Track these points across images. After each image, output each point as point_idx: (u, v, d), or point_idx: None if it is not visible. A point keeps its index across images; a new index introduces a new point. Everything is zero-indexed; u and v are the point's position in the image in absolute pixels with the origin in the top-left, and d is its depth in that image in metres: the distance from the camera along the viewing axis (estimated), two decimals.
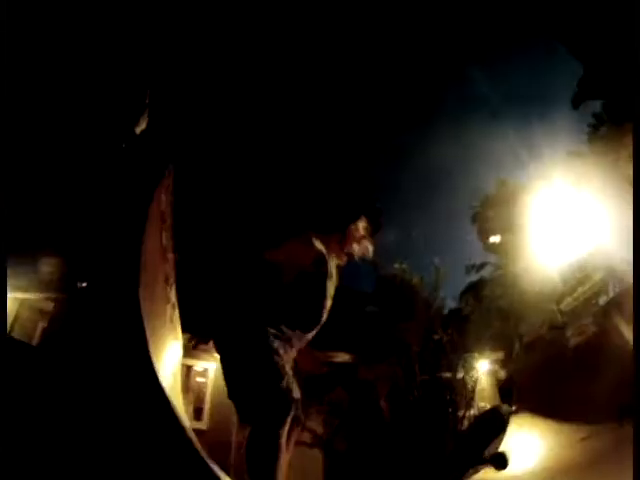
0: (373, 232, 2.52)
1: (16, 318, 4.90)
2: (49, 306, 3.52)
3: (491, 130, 19.36)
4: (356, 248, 2.46)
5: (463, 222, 19.13)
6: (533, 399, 8.99)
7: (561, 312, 12.04)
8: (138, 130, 5.06)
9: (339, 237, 2.40)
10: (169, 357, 6.45)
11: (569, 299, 12.12)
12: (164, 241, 6.32)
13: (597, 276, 11.30)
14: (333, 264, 2.34)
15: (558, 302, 12.40)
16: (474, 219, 18.45)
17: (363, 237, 2.47)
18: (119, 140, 4.77)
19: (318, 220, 2.41)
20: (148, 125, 5.20)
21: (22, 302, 5.12)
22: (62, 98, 4.23)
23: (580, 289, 11.90)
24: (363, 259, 2.55)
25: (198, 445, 4.29)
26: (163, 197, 5.77)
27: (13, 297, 4.67)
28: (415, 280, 16.76)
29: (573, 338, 9.90)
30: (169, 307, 6.77)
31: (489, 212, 17.49)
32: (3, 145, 1.89)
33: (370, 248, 2.52)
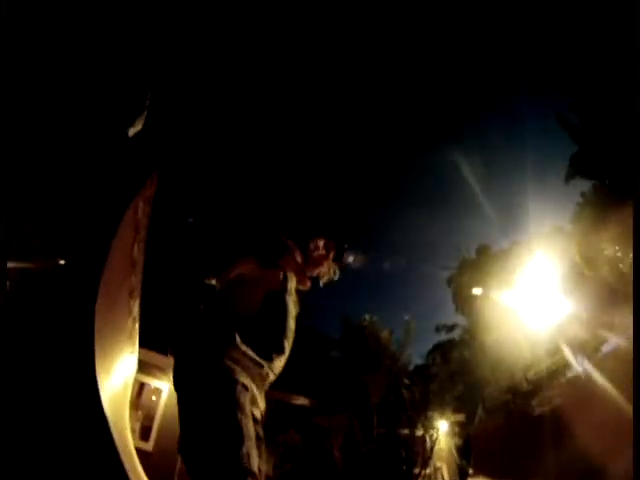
0: (337, 256, 2.35)
1: None
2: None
3: (478, 196, 19.91)
4: (318, 270, 2.30)
5: (439, 282, 19.33)
6: (490, 463, 8.82)
7: (527, 381, 11.99)
8: (132, 132, 4.99)
9: (300, 256, 2.24)
10: (121, 370, 6.22)
11: (536, 369, 12.09)
12: (135, 253, 6.18)
13: (565, 349, 11.34)
14: (293, 283, 2.16)
15: (525, 371, 12.36)
16: (450, 281, 18.62)
17: (323, 258, 2.30)
18: (109, 137, 4.72)
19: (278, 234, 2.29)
20: (143, 128, 5.15)
21: None
22: (59, 90, 4.23)
23: (548, 360, 11.90)
24: (328, 285, 2.44)
25: (132, 465, 4.06)
26: (141, 205, 5.67)
27: None
28: (384, 334, 16.81)
29: (537, 407, 9.81)
30: (130, 320, 6.58)
31: (466, 276, 17.66)
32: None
33: (334, 273, 2.34)
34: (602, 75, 10.66)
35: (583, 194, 12.35)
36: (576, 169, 12.43)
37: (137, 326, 7.06)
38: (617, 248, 10.15)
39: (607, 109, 10.65)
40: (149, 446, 9.30)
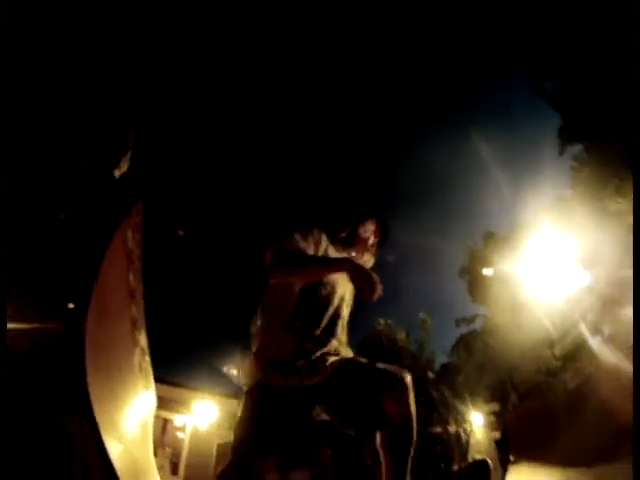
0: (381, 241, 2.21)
1: None
2: None
3: (476, 184, 19.86)
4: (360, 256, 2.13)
5: (452, 276, 19.13)
6: (532, 448, 8.43)
7: (556, 357, 11.66)
8: (118, 173, 4.94)
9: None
10: (137, 408, 6.03)
11: (563, 343, 11.78)
12: (132, 283, 6.09)
13: (589, 317, 11.03)
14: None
15: (552, 347, 12.04)
16: (462, 273, 18.39)
17: (370, 243, 2.17)
18: (94, 179, 4.65)
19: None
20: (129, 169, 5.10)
21: None
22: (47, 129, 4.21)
23: (573, 331, 11.60)
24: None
25: None
26: (130, 235, 5.59)
27: None
28: (400, 336, 16.52)
29: (570, 381, 9.49)
30: (137, 352, 6.43)
31: (477, 265, 17.43)
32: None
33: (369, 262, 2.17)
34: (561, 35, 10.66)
35: (575, 157, 12.18)
36: (565, 138, 12.30)
37: (148, 359, 6.91)
38: (619, 201, 9.92)
39: (574, 65, 10.58)
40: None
